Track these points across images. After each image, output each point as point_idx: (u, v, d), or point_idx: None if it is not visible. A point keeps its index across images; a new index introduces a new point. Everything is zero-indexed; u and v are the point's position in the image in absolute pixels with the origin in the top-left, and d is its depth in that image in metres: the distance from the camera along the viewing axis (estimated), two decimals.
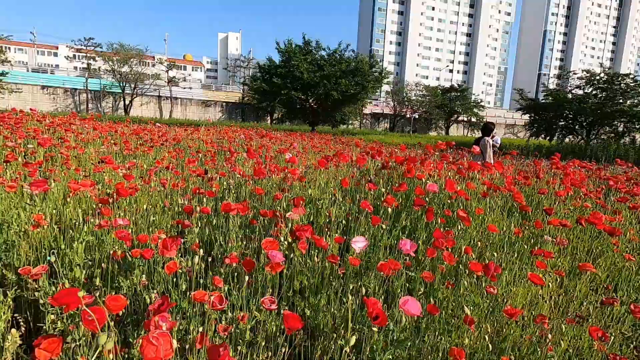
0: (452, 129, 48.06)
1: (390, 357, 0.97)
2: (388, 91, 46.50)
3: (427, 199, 1.96)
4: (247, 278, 1.22)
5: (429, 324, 1.23)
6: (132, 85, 35.75)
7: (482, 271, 1.42)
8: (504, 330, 1.35)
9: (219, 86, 50.79)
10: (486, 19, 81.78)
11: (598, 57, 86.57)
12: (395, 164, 2.37)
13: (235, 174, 2.60)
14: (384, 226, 1.61)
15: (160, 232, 1.48)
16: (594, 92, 22.00)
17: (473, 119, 45.73)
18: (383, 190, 2.02)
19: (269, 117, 37.64)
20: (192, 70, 79.15)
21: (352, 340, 0.90)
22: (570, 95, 22.73)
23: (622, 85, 21.08)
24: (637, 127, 20.37)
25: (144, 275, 1.17)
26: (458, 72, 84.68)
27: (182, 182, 2.39)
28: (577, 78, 22.45)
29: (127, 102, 36.03)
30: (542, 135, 24.11)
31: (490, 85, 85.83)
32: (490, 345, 1.19)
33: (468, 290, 1.41)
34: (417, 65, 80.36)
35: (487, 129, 5.90)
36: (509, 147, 17.74)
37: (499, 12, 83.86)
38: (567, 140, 23.05)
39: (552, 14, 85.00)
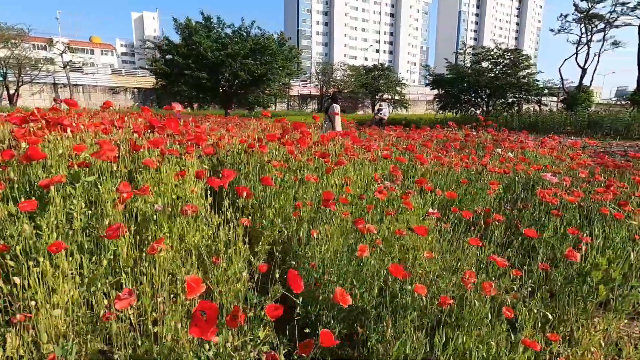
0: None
1: None
2: (317, 72, 46.33)
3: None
4: None
5: None
6: (17, 72, 30.77)
7: None
8: None
9: (131, 71, 46.20)
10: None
11: (505, 37, 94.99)
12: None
13: None
14: None
15: None
16: (489, 66, 23.81)
17: (397, 97, 47.50)
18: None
19: (187, 103, 35.19)
20: (102, 54, 71.05)
21: None
22: (469, 71, 24.37)
23: (511, 59, 23.05)
24: (524, 97, 22.52)
25: None
26: (384, 52, 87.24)
27: None
28: (474, 54, 24.06)
29: (12, 91, 30.98)
30: (449, 109, 25.66)
31: (415, 64, 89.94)
32: None
33: None
34: (345, 45, 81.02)
35: (335, 97, 5.83)
36: (421, 122, 18.58)
37: None
38: (469, 113, 24.82)
39: None
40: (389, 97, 48.28)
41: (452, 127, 5.67)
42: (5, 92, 30.84)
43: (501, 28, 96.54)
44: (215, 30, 19.40)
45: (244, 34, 19.74)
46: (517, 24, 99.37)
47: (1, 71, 29.77)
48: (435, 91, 26.55)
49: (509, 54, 23.33)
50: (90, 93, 36.85)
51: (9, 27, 29.60)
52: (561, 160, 3.78)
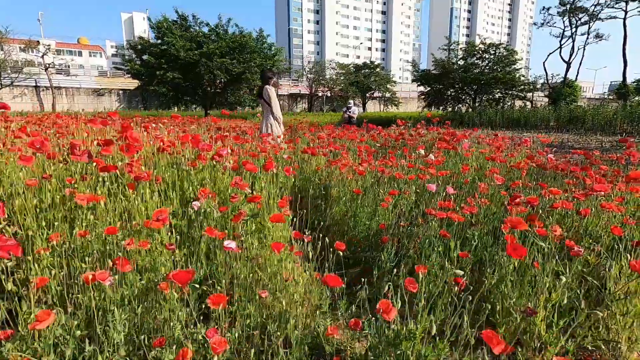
0: (369, 105, 48.96)
1: None
2: (307, 70, 45.81)
3: None
4: None
5: None
6: None
7: None
8: None
9: (118, 72, 45.44)
10: None
11: (498, 33, 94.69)
12: None
13: None
14: None
15: None
16: (476, 61, 23.34)
17: (387, 95, 46.98)
18: None
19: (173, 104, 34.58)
20: (90, 55, 70.07)
21: None
22: (456, 67, 23.88)
23: (497, 54, 22.60)
24: (509, 93, 22.09)
25: None
26: (377, 49, 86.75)
27: None
28: (460, 49, 23.61)
29: None
30: (435, 106, 25.17)
31: (407, 61, 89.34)
32: None
33: None
34: (337, 44, 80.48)
35: (265, 76, 4.52)
36: (408, 119, 18.13)
37: None
38: (456, 109, 24.31)
39: None
40: (380, 94, 47.73)
41: (401, 125, 5.22)
42: None
43: (493, 24, 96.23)
44: (191, 29, 18.83)
45: (221, 32, 19.17)
46: (509, 19, 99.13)
47: None
48: (422, 88, 26.08)
49: (494, 48, 22.90)
50: (74, 95, 36.20)
51: None
52: (500, 162, 3.31)
